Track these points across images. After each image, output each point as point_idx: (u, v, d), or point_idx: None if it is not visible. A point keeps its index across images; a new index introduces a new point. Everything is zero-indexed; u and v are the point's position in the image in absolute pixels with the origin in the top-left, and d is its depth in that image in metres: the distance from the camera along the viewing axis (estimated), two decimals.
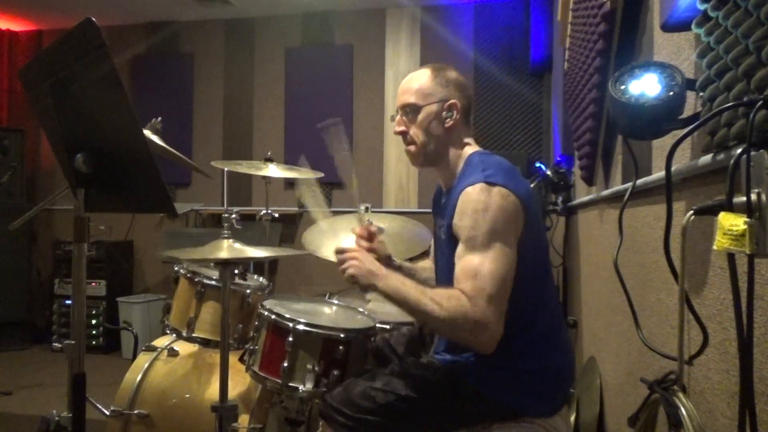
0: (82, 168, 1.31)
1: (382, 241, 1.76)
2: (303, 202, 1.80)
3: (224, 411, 1.77)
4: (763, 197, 0.74)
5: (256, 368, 1.73)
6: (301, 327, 1.66)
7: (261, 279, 2.35)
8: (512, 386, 1.42)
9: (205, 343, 2.12)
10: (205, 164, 3.15)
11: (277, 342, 1.69)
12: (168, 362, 2.20)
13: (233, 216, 1.91)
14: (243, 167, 2.87)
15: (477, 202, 1.35)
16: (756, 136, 0.77)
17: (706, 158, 0.99)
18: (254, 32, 4.95)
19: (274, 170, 2.73)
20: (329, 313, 1.93)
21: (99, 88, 1.25)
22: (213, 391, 2.07)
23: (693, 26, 1.02)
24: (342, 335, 1.66)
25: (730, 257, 0.81)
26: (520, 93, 4.45)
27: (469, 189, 1.38)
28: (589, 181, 2.44)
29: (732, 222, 0.76)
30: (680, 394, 1.00)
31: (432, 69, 1.57)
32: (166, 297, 4.39)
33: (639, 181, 1.37)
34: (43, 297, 5.00)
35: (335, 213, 2.37)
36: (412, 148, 1.56)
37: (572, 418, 2.29)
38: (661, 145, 1.37)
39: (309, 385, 1.61)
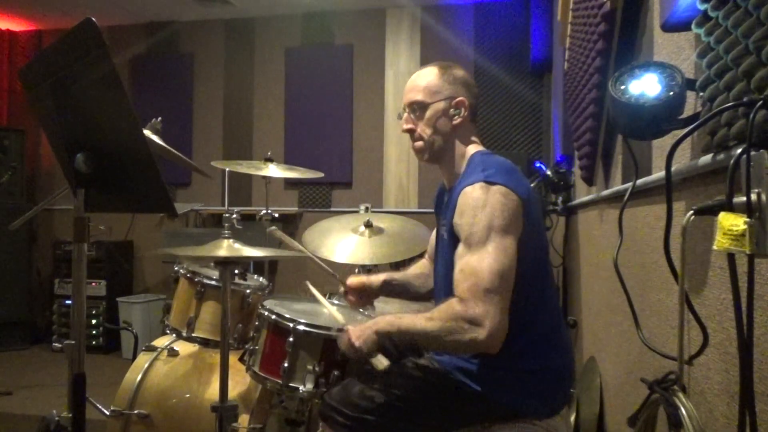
0: (82, 168, 1.31)
1: (358, 275, 1.79)
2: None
3: (224, 411, 1.77)
4: (763, 197, 0.74)
5: (256, 368, 1.73)
6: (301, 327, 1.66)
7: (261, 279, 2.35)
8: (512, 387, 1.42)
9: (205, 343, 2.12)
10: (205, 164, 3.15)
11: (278, 342, 1.69)
12: (168, 362, 2.20)
13: (233, 216, 1.91)
14: (243, 167, 2.87)
15: (476, 199, 1.35)
16: (756, 136, 0.77)
17: (706, 158, 0.99)
18: (254, 32, 4.95)
19: (274, 170, 2.73)
20: (329, 314, 1.92)
21: (99, 88, 1.25)
22: (213, 391, 2.07)
23: (693, 26, 1.02)
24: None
25: (730, 257, 0.81)
26: (520, 93, 4.45)
27: (468, 188, 1.38)
28: (589, 181, 2.44)
29: (732, 222, 0.76)
30: (680, 394, 1.00)
31: (439, 67, 1.57)
32: (166, 297, 4.39)
33: (639, 181, 1.37)
34: (43, 297, 5.01)
35: (335, 213, 2.36)
36: (418, 144, 1.56)
37: (572, 418, 2.29)
38: (661, 145, 1.37)
39: (309, 386, 1.61)
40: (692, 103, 1.13)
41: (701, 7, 0.97)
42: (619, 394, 1.87)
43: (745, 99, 0.82)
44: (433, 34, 4.61)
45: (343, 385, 1.53)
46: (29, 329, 4.81)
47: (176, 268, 2.23)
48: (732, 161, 0.78)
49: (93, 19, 1.18)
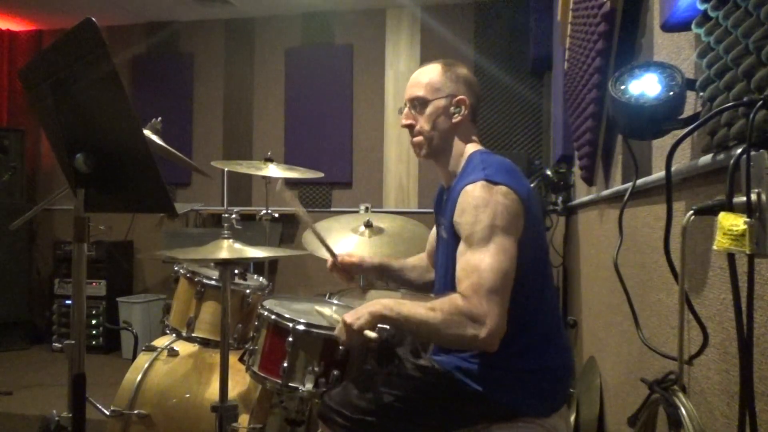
0: (82, 168, 1.31)
1: (351, 254, 1.83)
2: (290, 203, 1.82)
3: (224, 411, 1.77)
4: (763, 197, 0.74)
5: (256, 368, 1.73)
6: (301, 327, 1.66)
7: (261, 279, 2.35)
8: (511, 386, 1.42)
9: (204, 343, 2.12)
10: (205, 164, 3.15)
11: (277, 342, 1.69)
12: (168, 362, 2.20)
13: (233, 216, 1.91)
14: (243, 167, 2.87)
15: (477, 198, 1.35)
16: (756, 136, 0.76)
17: (706, 158, 0.99)
18: (254, 32, 4.96)
19: (274, 170, 2.73)
20: (329, 313, 1.92)
21: (99, 88, 1.25)
22: (213, 391, 2.07)
23: (693, 26, 1.02)
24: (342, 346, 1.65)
25: (730, 257, 0.81)
26: (520, 93, 4.45)
27: (469, 187, 1.38)
28: (589, 181, 2.44)
29: (732, 222, 0.76)
30: (680, 394, 1.00)
31: (442, 64, 1.57)
32: (166, 297, 4.39)
33: (639, 181, 1.37)
34: (43, 297, 5.00)
35: (335, 213, 2.36)
36: (417, 139, 1.56)
37: (572, 418, 2.29)
38: (661, 145, 1.37)
39: (309, 385, 1.61)
40: (692, 103, 1.13)
41: (701, 7, 0.97)
42: (619, 394, 1.87)
43: (745, 99, 0.82)
44: (433, 34, 4.61)
45: (343, 386, 1.53)
46: (29, 329, 4.81)
47: (176, 268, 2.23)
48: (732, 161, 0.78)
49: (93, 19, 1.18)
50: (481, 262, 1.30)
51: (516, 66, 4.45)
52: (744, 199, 0.75)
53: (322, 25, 4.82)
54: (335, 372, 1.63)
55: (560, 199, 3.16)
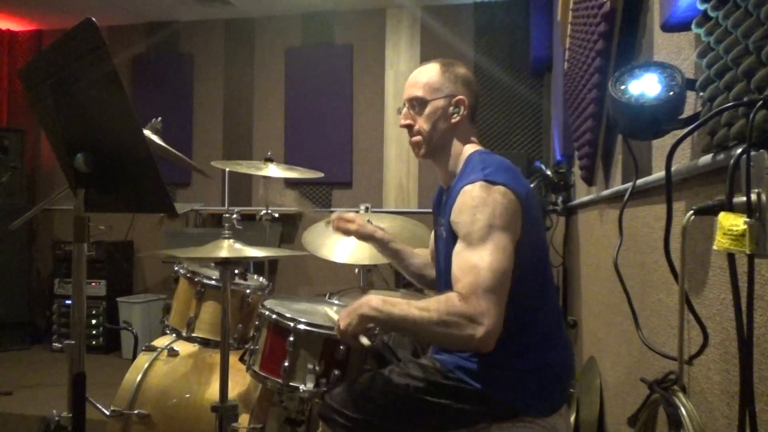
0: (82, 168, 1.31)
1: (353, 219, 1.83)
2: (283, 204, 1.82)
3: (224, 411, 1.77)
4: (763, 197, 0.74)
5: (256, 368, 1.73)
6: (301, 327, 1.66)
7: (261, 279, 2.35)
8: (511, 385, 1.42)
9: (204, 343, 2.12)
10: (205, 164, 3.15)
11: (278, 342, 1.69)
12: (168, 362, 2.20)
13: (233, 216, 1.91)
14: (243, 167, 2.87)
15: (476, 198, 1.35)
16: (756, 136, 0.77)
17: (706, 158, 0.99)
18: (254, 32, 4.95)
19: (274, 170, 2.73)
20: (330, 313, 1.93)
21: (99, 88, 1.25)
22: (213, 391, 2.07)
23: (693, 26, 1.02)
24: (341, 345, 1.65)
25: (730, 257, 0.81)
26: (520, 93, 4.45)
27: (468, 187, 1.38)
28: (589, 181, 2.44)
29: (732, 222, 0.76)
30: (680, 394, 1.00)
31: (441, 64, 1.57)
32: (166, 297, 4.39)
33: (639, 181, 1.37)
34: (43, 297, 5.00)
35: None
36: (416, 139, 1.56)
37: (572, 418, 2.29)
38: (661, 145, 1.37)
39: (309, 385, 1.61)
40: (692, 103, 1.13)
41: (701, 7, 0.97)
42: (619, 394, 1.87)
43: (745, 99, 0.82)
44: (433, 34, 4.61)
45: (344, 386, 1.53)
46: (29, 329, 4.81)
47: (176, 268, 2.23)
48: (732, 161, 0.78)
49: (93, 19, 1.18)
50: (479, 261, 1.30)
51: (516, 66, 4.45)
52: (744, 199, 0.75)
53: (322, 25, 4.82)
54: (336, 372, 1.63)
55: (560, 199, 3.16)
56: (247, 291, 2.16)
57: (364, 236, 1.84)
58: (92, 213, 1.38)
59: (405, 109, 1.58)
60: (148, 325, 4.46)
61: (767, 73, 0.78)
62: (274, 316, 1.72)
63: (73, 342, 1.36)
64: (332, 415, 1.47)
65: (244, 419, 1.94)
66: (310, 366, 1.63)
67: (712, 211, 0.85)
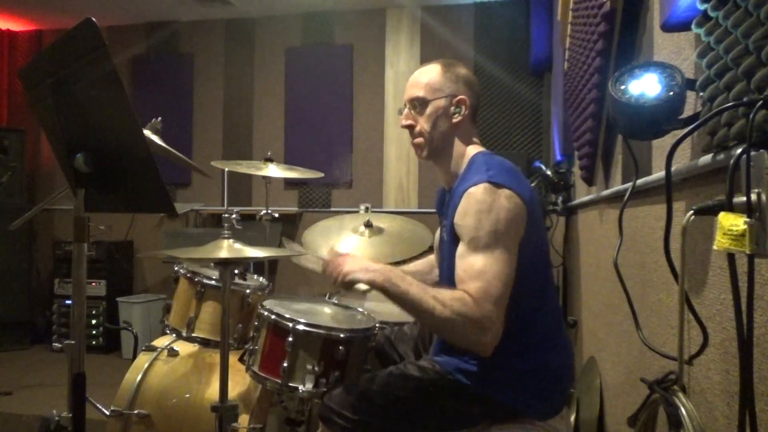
0: (82, 168, 1.31)
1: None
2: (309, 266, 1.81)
3: (224, 411, 1.77)
4: (763, 197, 0.74)
5: (256, 368, 1.73)
6: (301, 327, 1.66)
7: (261, 279, 2.35)
8: (511, 386, 1.42)
9: (204, 343, 2.12)
10: (205, 164, 3.14)
11: (277, 342, 1.69)
12: (168, 362, 2.20)
13: (233, 216, 1.91)
14: (243, 167, 2.87)
15: (481, 202, 1.34)
16: (756, 136, 0.77)
17: (706, 158, 0.99)
18: (254, 32, 4.96)
19: (274, 170, 2.73)
20: (329, 313, 1.93)
21: (99, 88, 1.25)
22: (213, 391, 2.07)
23: (693, 26, 1.02)
24: (342, 335, 1.66)
25: (730, 257, 0.81)
26: (520, 93, 4.45)
27: (472, 189, 1.37)
28: (589, 181, 2.44)
29: (732, 222, 0.76)
30: (680, 394, 1.00)
31: (442, 64, 1.57)
32: (166, 297, 4.40)
33: (639, 181, 1.37)
34: (43, 297, 5.00)
35: (335, 213, 2.36)
36: (417, 140, 1.56)
37: (572, 418, 2.29)
38: (661, 145, 1.37)
39: (309, 385, 1.61)
40: (692, 103, 1.13)
41: (701, 7, 0.97)
42: (619, 394, 1.87)
43: (745, 99, 0.82)
44: (433, 34, 4.61)
45: (343, 388, 1.53)
46: (29, 329, 4.81)
47: (176, 268, 2.23)
48: (732, 161, 0.78)
49: (93, 19, 1.18)
50: (487, 267, 1.30)
51: (516, 66, 4.45)
52: (744, 199, 0.75)
53: (322, 25, 4.82)
54: (335, 372, 1.63)
55: (560, 199, 3.16)
56: (247, 291, 2.16)
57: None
58: (92, 213, 1.38)
59: (406, 110, 1.57)
60: (148, 325, 4.46)
61: (767, 73, 0.78)
62: (273, 317, 1.72)
63: (73, 342, 1.36)
64: (332, 417, 1.47)
65: (244, 419, 1.94)
66: (309, 366, 1.63)
67: (712, 211, 0.85)
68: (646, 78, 1.04)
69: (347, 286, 1.45)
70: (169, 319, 2.19)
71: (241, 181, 4.84)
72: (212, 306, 2.12)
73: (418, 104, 1.54)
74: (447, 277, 1.53)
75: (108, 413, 2.10)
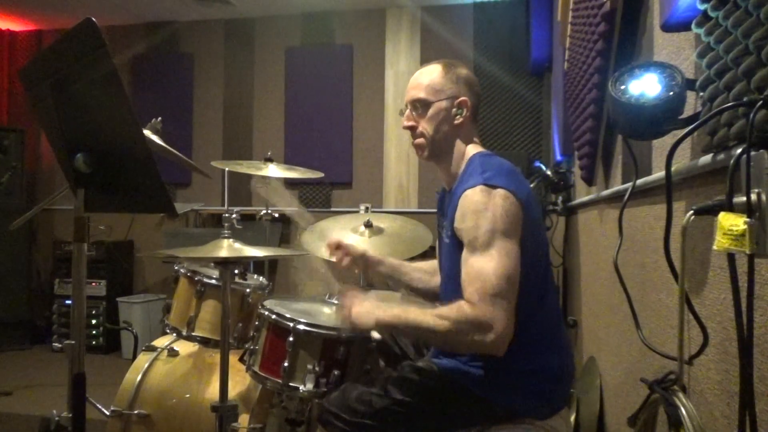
0: (82, 168, 1.31)
1: (350, 245, 1.82)
2: (272, 202, 1.81)
3: (224, 411, 1.77)
4: (763, 197, 0.74)
5: (256, 368, 1.73)
6: (301, 327, 1.66)
7: (261, 278, 2.35)
8: (511, 387, 1.41)
9: (204, 342, 2.12)
10: (205, 164, 3.15)
11: (278, 342, 1.69)
12: (168, 362, 2.20)
13: (233, 216, 1.91)
14: (243, 167, 2.87)
15: (477, 203, 1.35)
16: (756, 136, 0.77)
17: (706, 158, 0.99)
18: (254, 32, 4.96)
19: (274, 170, 2.73)
20: (329, 313, 1.93)
21: (99, 88, 1.25)
22: (213, 391, 2.07)
23: (693, 26, 1.02)
24: (343, 335, 1.66)
25: (730, 257, 0.81)
26: (520, 93, 4.45)
27: (468, 192, 1.37)
28: (589, 181, 2.44)
29: (732, 222, 0.76)
30: (680, 394, 1.00)
31: (443, 65, 1.56)
32: (166, 297, 4.39)
33: (639, 181, 1.37)
34: (43, 297, 5.00)
35: (335, 213, 2.36)
36: (419, 141, 1.56)
37: (572, 418, 2.29)
38: (661, 145, 1.37)
39: (309, 385, 1.61)
40: (692, 103, 1.13)
41: (701, 7, 0.97)
42: (619, 394, 1.87)
43: (745, 99, 0.82)
44: (433, 34, 4.61)
45: (342, 390, 1.52)
46: (29, 329, 4.81)
47: (176, 268, 2.23)
48: (732, 161, 0.78)
49: (93, 19, 1.18)
50: (484, 267, 1.30)
51: (516, 66, 4.45)
52: (744, 199, 0.75)
53: (322, 25, 4.82)
54: (336, 372, 1.63)
55: (560, 199, 3.16)
56: (247, 290, 2.16)
57: (356, 259, 1.81)
58: (92, 213, 1.38)
59: (408, 111, 1.57)
60: (148, 325, 4.46)
61: (767, 73, 0.78)
62: (273, 317, 1.72)
63: (73, 342, 1.36)
64: (331, 420, 1.47)
65: (244, 419, 1.94)
66: (309, 366, 1.63)
67: (712, 211, 0.85)
68: (646, 78, 1.04)
69: (356, 330, 1.50)
70: (169, 319, 2.20)
71: (241, 181, 4.83)
72: (212, 305, 2.12)
73: (420, 106, 1.54)
74: (447, 279, 1.53)
75: (108, 413, 2.10)
